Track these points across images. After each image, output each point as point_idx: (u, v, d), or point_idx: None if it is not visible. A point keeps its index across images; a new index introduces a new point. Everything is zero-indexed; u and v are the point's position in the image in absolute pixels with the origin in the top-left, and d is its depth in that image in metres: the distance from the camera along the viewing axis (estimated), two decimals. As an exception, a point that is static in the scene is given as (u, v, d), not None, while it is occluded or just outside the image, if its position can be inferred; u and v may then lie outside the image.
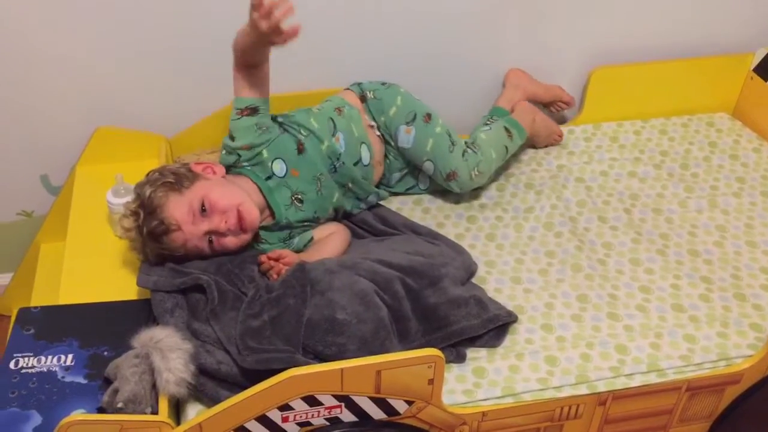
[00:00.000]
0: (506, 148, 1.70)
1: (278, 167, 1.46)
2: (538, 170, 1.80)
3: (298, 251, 1.48)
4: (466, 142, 1.64)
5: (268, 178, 1.46)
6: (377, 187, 1.66)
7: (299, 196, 1.47)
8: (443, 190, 1.68)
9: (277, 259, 1.37)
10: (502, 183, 1.75)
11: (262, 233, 1.46)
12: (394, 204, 1.69)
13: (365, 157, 1.58)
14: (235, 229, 1.37)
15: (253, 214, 1.38)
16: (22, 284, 1.78)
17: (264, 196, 1.45)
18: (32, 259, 1.76)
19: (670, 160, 1.83)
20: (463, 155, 1.60)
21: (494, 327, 1.34)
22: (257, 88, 1.42)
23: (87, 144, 1.68)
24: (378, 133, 1.62)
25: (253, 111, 1.43)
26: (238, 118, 1.43)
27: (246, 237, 1.39)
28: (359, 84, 1.65)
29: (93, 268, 1.45)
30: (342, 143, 1.53)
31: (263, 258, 1.38)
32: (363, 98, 1.63)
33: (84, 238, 1.52)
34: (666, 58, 1.91)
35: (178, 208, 1.33)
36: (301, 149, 1.48)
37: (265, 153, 1.45)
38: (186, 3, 1.58)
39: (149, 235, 1.33)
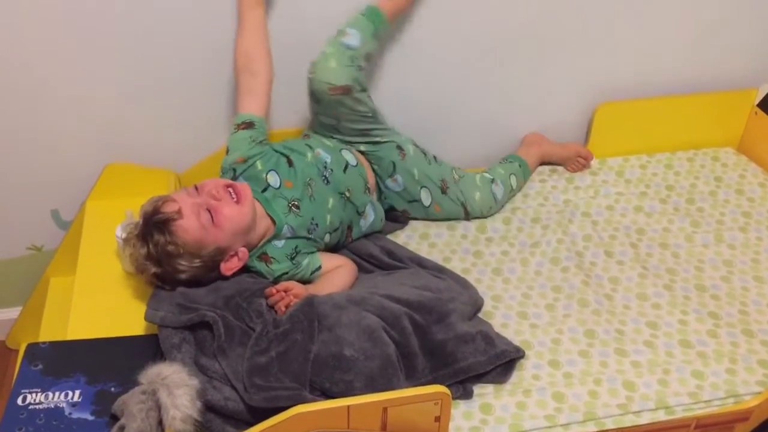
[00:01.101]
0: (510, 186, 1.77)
1: (273, 179, 1.50)
2: (544, 204, 1.81)
3: (305, 281, 1.49)
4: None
5: (264, 190, 1.48)
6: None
7: (296, 203, 1.49)
8: (450, 223, 1.72)
9: (285, 291, 1.37)
10: (508, 216, 1.76)
11: (268, 250, 1.47)
12: (401, 238, 1.70)
13: (351, 159, 1.61)
14: (229, 198, 1.37)
15: (242, 185, 1.41)
16: (31, 318, 1.78)
17: (263, 207, 1.47)
18: (41, 292, 1.77)
19: (676, 194, 1.84)
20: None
21: (501, 363, 1.34)
22: (256, 101, 1.53)
23: (98, 179, 1.70)
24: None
25: (249, 125, 1.52)
26: (235, 132, 1.52)
27: (244, 209, 1.38)
28: None
29: (102, 302, 1.45)
30: (324, 154, 1.57)
31: (271, 290, 1.38)
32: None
33: (93, 272, 1.52)
34: (670, 94, 1.92)
35: (176, 197, 1.36)
36: (290, 163, 1.52)
37: (259, 165, 1.50)
38: (195, 41, 1.60)
39: (155, 226, 1.32)
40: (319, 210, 1.52)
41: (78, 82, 1.61)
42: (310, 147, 1.58)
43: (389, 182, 1.66)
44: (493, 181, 1.74)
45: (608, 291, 1.56)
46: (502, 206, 1.78)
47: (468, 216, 1.73)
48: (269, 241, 1.47)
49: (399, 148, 1.66)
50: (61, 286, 1.73)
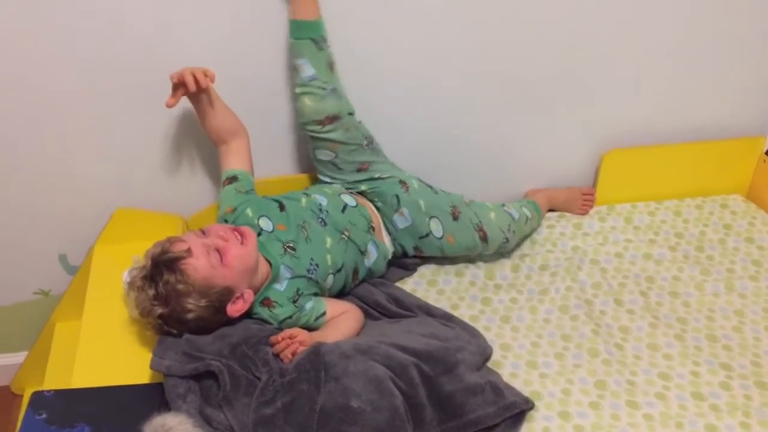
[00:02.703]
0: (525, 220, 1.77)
1: (264, 223, 1.52)
2: (552, 251, 1.80)
3: (310, 327, 1.48)
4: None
5: (258, 235, 1.49)
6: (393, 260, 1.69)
7: (291, 245, 1.50)
8: (458, 268, 1.72)
9: (290, 338, 1.36)
10: (517, 264, 1.75)
11: (270, 294, 1.46)
12: (408, 285, 1.69)
13: (350, 200, 1.62)
14: (234, 239, 1.40)
15: (246, 228, 1.45)
16: (37, 363, 1.78)
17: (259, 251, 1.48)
18: (47, 337, 1.76)
19: (685, 242, 1.83)
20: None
21: (511, 415, 1.32)
22: (236, 158, 1.60)
23: (106, 224, 1.70)
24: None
25: (232, 179, 1.58)
26: (223, 188, 1.58)
27: (249, 249, 1.41)
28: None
29: (108, 349, 1.44)
30: (320, 197, 1.60)
31: (276, 338, 1.37)
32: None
33: (100, 318, 1.51)
34: (678, 141, 1.93)
35: (184, 237, 1.38)
36: (282, 207, 1.56)
37: (249, 212, 1.53)
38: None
39: (164, 264, 1.32)
40: (317, 250, 1.53)
41: (88, 128, 1.63)
42: (306, 194, 1.61)
43: (396, 218, 1.66)
44: (504, 205, 1.74)
45: (618, 340, 1.55)
46: (524, 234, 1.76)
47: (486, 242, 1.67)
48: (270, 284, 1.47)
49: (402, 182, 1.67)
50: (67, 332, 1.73)
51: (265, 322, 1.46)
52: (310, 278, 1.50)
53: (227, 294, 1.38)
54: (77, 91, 1.57)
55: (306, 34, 1.53)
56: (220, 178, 1.60)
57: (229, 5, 1.52)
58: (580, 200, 1.90)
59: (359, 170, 1.65)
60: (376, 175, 1.66)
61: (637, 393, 1.42)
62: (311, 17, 1.52)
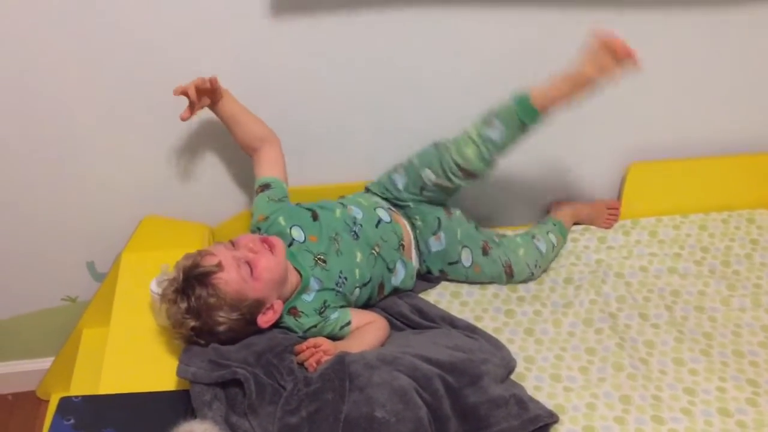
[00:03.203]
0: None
1: (297, 233, 1.53)
2: (576, 264, 1.79)
3: (335, 337, 1.48)
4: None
5: (290, 245, 1.51)
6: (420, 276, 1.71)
7: (321, 257, 1.51)
8: (481, 283, 1.71)
9: (314, 347, 1.37)
10: (541, 277, 1.75)
11: (298, 304, 1.47)
12: (432, 296, 1.70)
13: (384, 216, 1.63)
14: (264, 250, 1.41)
15: (275, 238, 1.46)
16: (63, 369, 1.80)
17: (290, 261, 1.49)
18: (74, 344, 1.78)
19: (711, 256, 1.81)
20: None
21: (535, 428, 1.31)
22: (268, 166, 1.61)
23: (134, 232, 1.72)
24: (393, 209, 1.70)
25: (265, 187, 1.60)
26: (256, 196, 1.60)
27: (279, 259, 1.43)
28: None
29: (135, 355, 1.46)
30: (355, 210, 1.61)
31: (300, 347, 1.38)
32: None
33: (127, 325, 1.53)
34: (704, 155, 1.92)
35: (214, 251, 1.39)
36: (315, 217, 1.56)
37: (282, 221, 1.53)
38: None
39: (196, 279, 1.34)
40: (347, 264, 1.53)
41: (117, 135, 1.65)
42: (343, 204, 1.61)
43: (432, 240, 1.67)
44: (534, 237, 1.74)
45: (643, 355, 1.54)
46: (549, 264, 1.76)
47: (512, 277, 1.69)
48: (299, 294, 1.48)
49: (446, 207, 1.70)
50: (94, 338, 1.75)
51: (290, 330, 1.47)
52: (339, 291, 1.51)
53: (258, 306, 1.39)
54: (107, 100, 1.60)
55: (526, 119, 1.54)
56: (253, 186, 1.62)
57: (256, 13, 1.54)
58: (605, 214, 1.89)
59: (418, 195, 1.68)
60: (428, 199, 1.68)
61: (662, 408, 1.41)
62: (541, 110, 1.53)
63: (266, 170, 1.62)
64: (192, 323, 1.35)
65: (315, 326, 1.48)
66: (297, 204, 1.60)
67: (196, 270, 1.35)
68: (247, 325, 1.39)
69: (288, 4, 1.54)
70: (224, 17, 1.53)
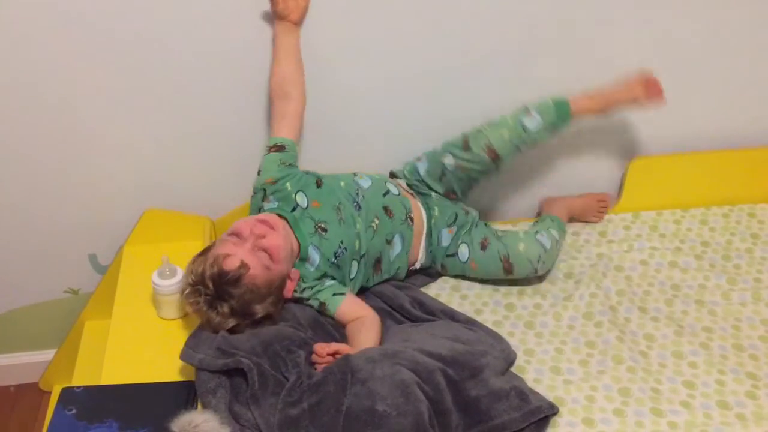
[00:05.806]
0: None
1: (300, 199, 1.55)
2: (577, 258, 1.80)
3: (326, 303, 1.51)
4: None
5: (293, 209, 1.53)
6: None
7: (322, 225, 1.53)
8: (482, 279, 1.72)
9: (333, 355, 1.37)
10: (541, 270, 1.75)
11: (301, 271, 1.51)
12: (432, 290, 1.70)
13: (393, 188, 1.66)
14: (267, 229, 1.43)
15: (267, 215, 1.49)
16: (65, 361, 1.80)
17: (291, 229, 1.51)
18: (76, 336, 1.79)
19: (712, 250, 1.81)
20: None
21: (535, 420, 1.32)
22: (288, 125, 1.58)
23: (135, 225, 1.73)
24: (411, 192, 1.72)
25: (280, 148, 1.57)
26: (267, 154, 1.58)
27: (282, 232, 1.46)
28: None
29: (136, 347, 1.47)
30: (365, 179, 1.64)
31: (322, 351, 1.37)
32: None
33: (129, 317, 1.54)
34: (704, 149, 1.92)
35: (224, 248, 1.41)
36: (319, 184, 1.58)
37: (288, 186, 1.55)
38: (233, 93, 1.64)
39: (229, 284, 1.36)
40: (349, 234, 1.55)
41: (119, 129, 1.66)
42: (354, 174, 1.65)
43: (445, 232, 1.69)
44: (537, 233, 1.71)
45: (643, 348, 1.54)
46: (554, 261, 1.74)
47: (511, 273, 1.66)
48: (301, 263, 1.51)
49: (465, 207, 1.74)
50: (96, 330, 1.76)
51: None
52: (338, 266, 1.54)
53: (283, 281, 1.47)
54: (108, 94, 1.60)
55: (559, 120, 1.66)
56: (257, 169, 1.59)
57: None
58: (596, 207, 1.89)
59: (439, 179, 1.71)
60: (446, 188, 1.72)
61: (661, 401, 1.42)
62: (574, 116, 1.67)
63: (285, 130, 1.59)
64: (234, 322, 1.39)
65: (311, 288, 1.52)
66: (304, 171, 1.61)
67: (226, 277, 1.36)
68: (278, 302, 1.45)
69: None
70: (228, 12, 1.53)
